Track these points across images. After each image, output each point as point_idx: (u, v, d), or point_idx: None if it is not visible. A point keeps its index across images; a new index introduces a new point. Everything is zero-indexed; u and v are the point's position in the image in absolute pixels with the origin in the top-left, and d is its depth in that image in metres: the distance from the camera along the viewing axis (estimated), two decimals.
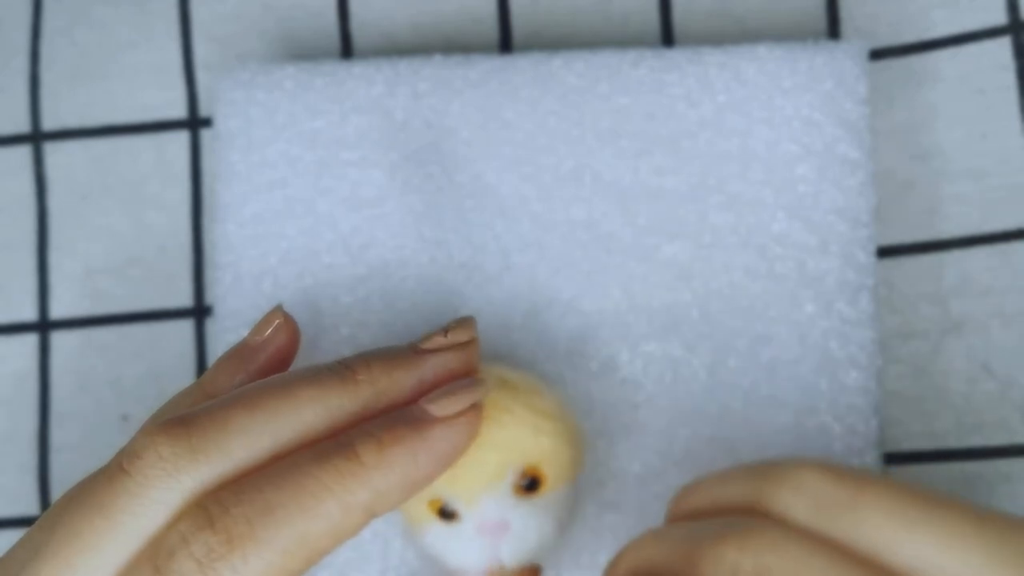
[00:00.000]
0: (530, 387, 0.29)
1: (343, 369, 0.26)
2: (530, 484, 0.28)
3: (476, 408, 0.26)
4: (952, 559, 0.19)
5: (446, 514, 0.28)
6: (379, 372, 0.26)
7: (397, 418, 0.25)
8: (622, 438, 0.31)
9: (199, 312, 0.36)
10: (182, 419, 0.24)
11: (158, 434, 0.24)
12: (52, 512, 0.25)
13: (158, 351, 0.36)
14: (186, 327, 0.36)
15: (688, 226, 0.32)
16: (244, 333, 0.32)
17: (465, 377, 0.27)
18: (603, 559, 0.31)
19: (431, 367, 0.26)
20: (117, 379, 0.36)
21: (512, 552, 0.28)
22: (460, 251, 0.33)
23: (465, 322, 0.28)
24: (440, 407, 0.26)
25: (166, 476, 0.23)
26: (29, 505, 0.36)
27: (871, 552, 0.20)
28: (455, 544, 0.28)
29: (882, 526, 0.20)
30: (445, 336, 0.27)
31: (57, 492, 0.36)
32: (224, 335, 0.33)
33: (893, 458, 0.33)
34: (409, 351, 0.27)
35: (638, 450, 0.31)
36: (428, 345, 0.27)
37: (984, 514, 0.20)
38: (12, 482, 0.36)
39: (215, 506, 0.23)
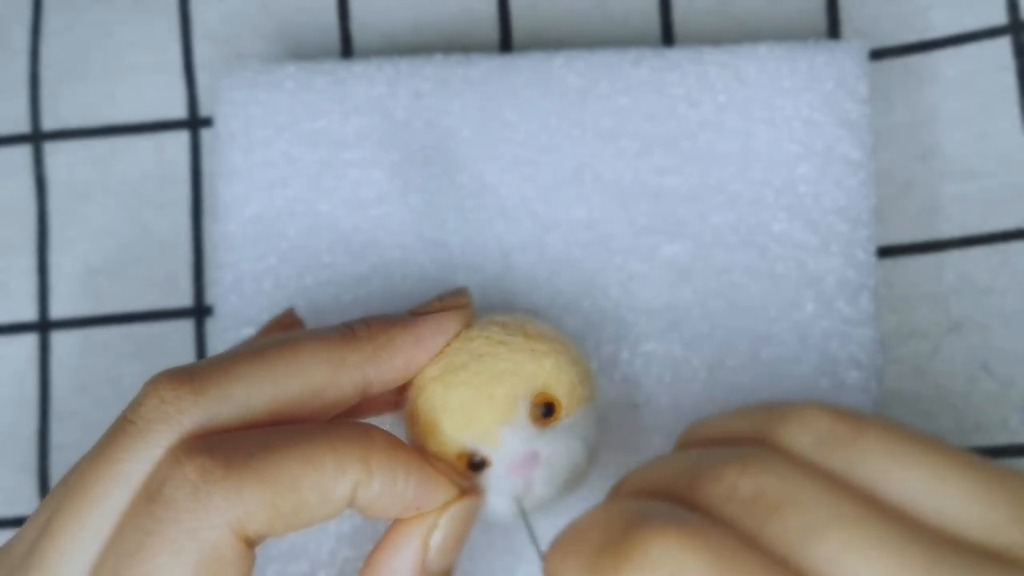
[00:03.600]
0: (521, 319, 0.29)
1: (344, 327, 0.26)
2: (546, 410, 0.27)
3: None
4: (938, 496, 0.20)
5: (475, 465, 0.27)
6: (378, 330, 0.27)
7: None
8: (622, 438, 0.31)
9: (199, 312, 0.36)
10: (185, 366, 0.25)
11: (161, 379, 0.24)
12: (64, 476, 0.26)
13: (158, 351, 0.36)
14: (186, 327, 0.36)
15: (688, 226, 0.32)
16: (245, 333, 0.32)
17: (458, 333, 0.28)
18: None
19: (427, 326, 0.27)
20: (117, 379, 0.36)
21: (545, 481, 0.27)
22: (461, 251, 0.33)
23: (459, 290, 0.29)
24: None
25: (167, 418, 0.23)
26: (29, 505, 0.36)
27: (866, 485, 0.21)
28: (491, 491, 0.28)
29: (877, 462, 0.21)
30: (440, 300, 0.28)
31: None
32: (224, 335, 0.33)
33: None
34: (405, 315, 0.28)
35: (638, 450, 0.31)
36: (424, 308, 0.28)
37: (975, 460, 0.21)
38: (12, 482, 0.36)
39: (215, 437, 0.23)
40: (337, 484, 0.24)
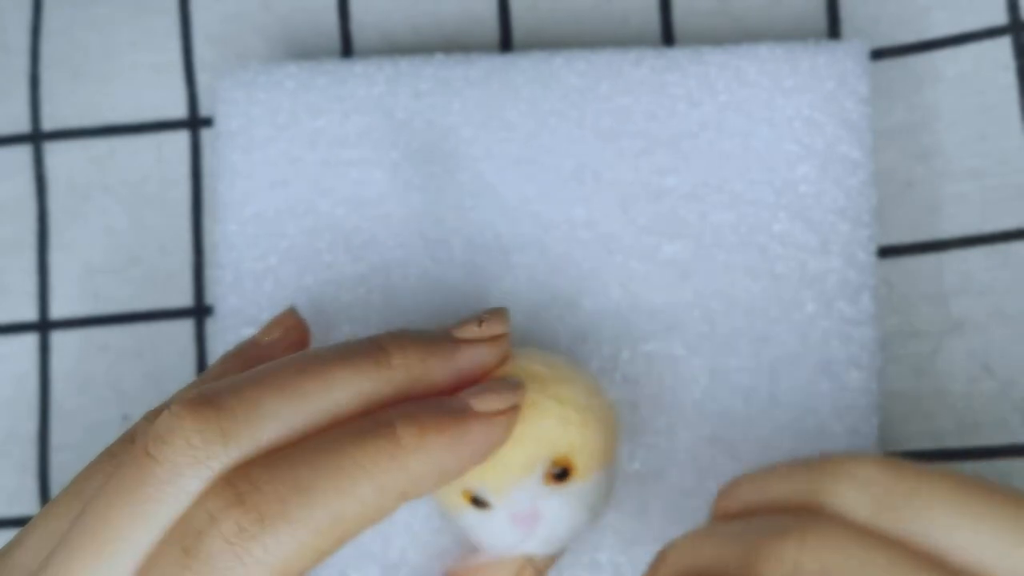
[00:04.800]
0: (558, 376, 0.28)
1: (378, 351, 0.25)
2: (561, 473, 0.27)
3: (515, 408, 0.26)
4: (1020, 553, 0.19)
5: (479, 503, 0.28)
6: (415, 358, 0.25)
7: (439, 406, 0.25)
8: (622, 438, 0.31)
9: (199, 312, 0.36)
10: (210, 399, 0.23)
11: (186, 416, 0.23)
12: (65, 499, 0.25)
13: (158, 351, 0.36)
14: (186, 327, 0.36)
15: (689, 226, 0.32)
16: (245, 333, 0.32)
17: (496, 367, 0.27)
18: (604, 558, 0.31)
19: (467, 358, 0.26)
20: (117, 379, 0.36)
21: (545, 538, 0.27)
22: (461, 250, 0.33)
23: (499, 313, 0.28)
24: (482, 402, 0.26)
25: (196, 463, 0.23)
26: (29, 505, 0.36)
27: (935, 548, 0.19)
28: (490, 529, 0.28)
29: (946, 521, 0.19)
30: (479, 326, 0.27)
31: (57, 492, 0.36)
32: (224, 335, 0.33)
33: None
34: (444, 339, 0.26)
35: (638, 450, 0.31)
36: (463, 334, 0.27)
37: None
38: (12, 482, 0.36)
39: (244, 483, 0.22)
40: (380, 505, 0.23)
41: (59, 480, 0.36)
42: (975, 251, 0.33)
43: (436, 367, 0.26)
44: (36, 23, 0.38)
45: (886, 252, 0.34)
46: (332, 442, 0.23)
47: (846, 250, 0.31)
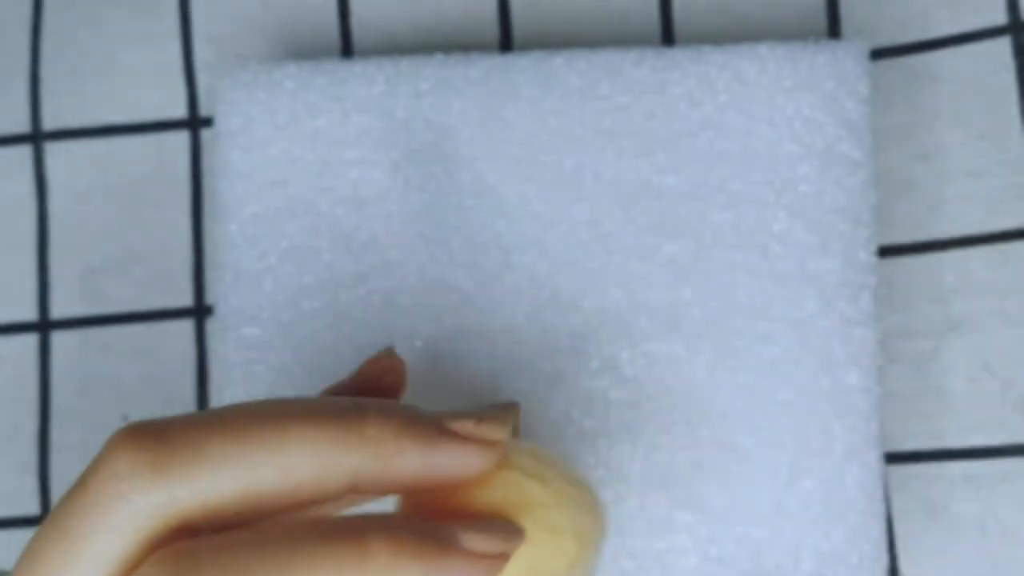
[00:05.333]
0: (555, 498, 0.25)
1: (354, 414, 0.22)
2: None
3: (506, 557, 0.23)
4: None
5: None
6: (391, 434, 0.22)
7: (422, 529, 0.22)
8: (622, 438, 0.31)
9: (199, 312, 0.36)
10: (152, 429, 0.21)
11: (121, 442, 0.21)
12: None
13: (158, 351, 0.36)
14: (186, 327, 0.36)
15: (689, 225, 0.32)
16: (245, 332, 0.32)
17: (477, 478, 0.24)
18: (605, 559, 0.31)
19: (447, 457, 0.24)
20: (117, 379, 0.36)
21: None
22: (461, 250, 0.33)
23: (504, 414, 0.25)
24: (472, 541, 0.23)
25: (119, 496, 0.21)
26: (29, 505, 0.36)
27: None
28: None
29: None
30: (476, 425, 0.24)
31: (57, 492, 0.36)
32: (224, 335, 0.33)
33: (893, 458, 0.33)
34: (432, 425, 0.23)
35: (638, 450, 0.31)
36: (455, 427, 0.24)
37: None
38: (12, 482, 0.36)
39: (188, 561, 0.20)
40: None
41: (59, 480, 0.36)
42: (975, 251, 0.33)
43: (410, 454, 0.23)
44: (36, 23, 0.38)
45: (886, 252, 0.34)
46: (292, 537, 0.21)
47: (846, 250, 0.31)
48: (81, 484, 0.21)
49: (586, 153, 0.32)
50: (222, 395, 0.33)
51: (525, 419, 0.31)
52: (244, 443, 0.21)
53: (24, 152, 0.37)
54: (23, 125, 0.37)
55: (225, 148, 0.33)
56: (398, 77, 0.33)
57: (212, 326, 0.36)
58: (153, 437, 0.21)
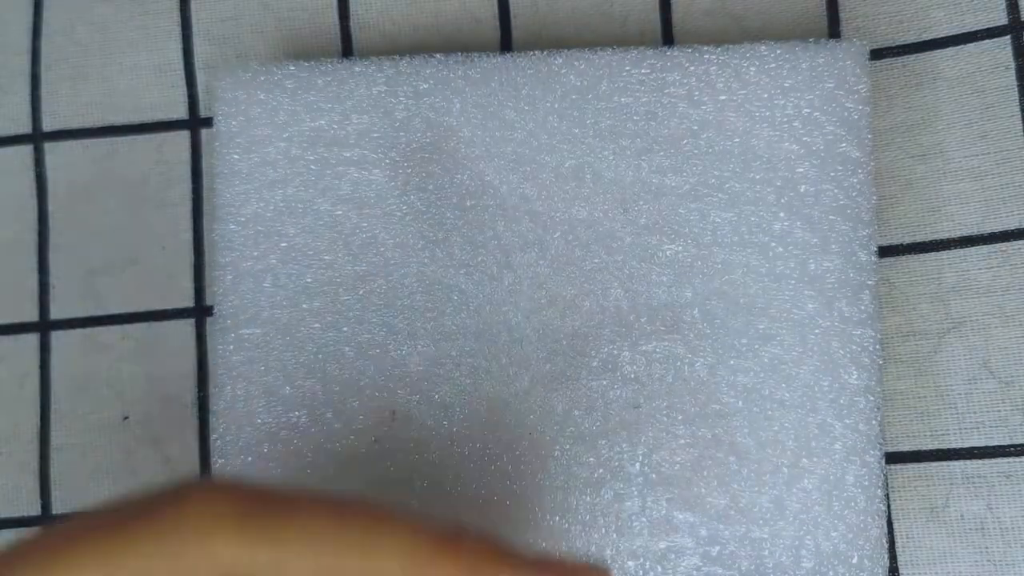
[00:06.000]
0: None
1: (451, 531, 0.22)
2: None
3: None
4: None
5: None
6: (489, 557, 0.22)
7: None
8: (622, 437, 0.31)
9: (199, 312, 0.36)
10: (245, 487, 0.20)
11: (208, 492, 0.20)
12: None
13: (158, 351, 0.36)
14: (186, 327, 0.36)
15: (689, 225, 0.32)
16: (245, 332, 0.32)
17: None
18: (606, 555, 0.31)
19: None
20: (117, 379, 0.36)
21: None
22: (461, 250, 0.33)
23: (598, 572, 0.24)
24: (553, 568, 0.22)
25: (201, 549, 0.20)
26: (29, 505, 0.36)
27: None
28: None
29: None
30: (571, 570, 0.23)
31: (57, 492, 0.36)
32: (224, 335, 0.33)
33: (893, 458, 0.33)
34: (530, 557, 0.22)
35: (638, 449, 0.31)
36: (553, 565, 0.23)
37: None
38: (12, 482, 0.36)
39: None
40: None
41: (59, 480, 0.36)
42: (975, 251, 0.33)
43: (508, 567, 0.22)
44: (36, 23, 0.38)
45: (886, 252, 0.34)
46: None
47: (846, 249, 0.31)
48: (154, 532, 0.20)
49: (586, 152, 0.32)
50: (222, 395, 0.33)
51: (525, 418, 0.31)
52: (338, 525, 0.20)
53: (24, 152, 0.37)
54: (23, 125, 0.37)
55: (225, 148, 0.33)
56: (398, 77, 0.33)
57: (212, 326, 0.36)
58: (245, 494, 0.20)
